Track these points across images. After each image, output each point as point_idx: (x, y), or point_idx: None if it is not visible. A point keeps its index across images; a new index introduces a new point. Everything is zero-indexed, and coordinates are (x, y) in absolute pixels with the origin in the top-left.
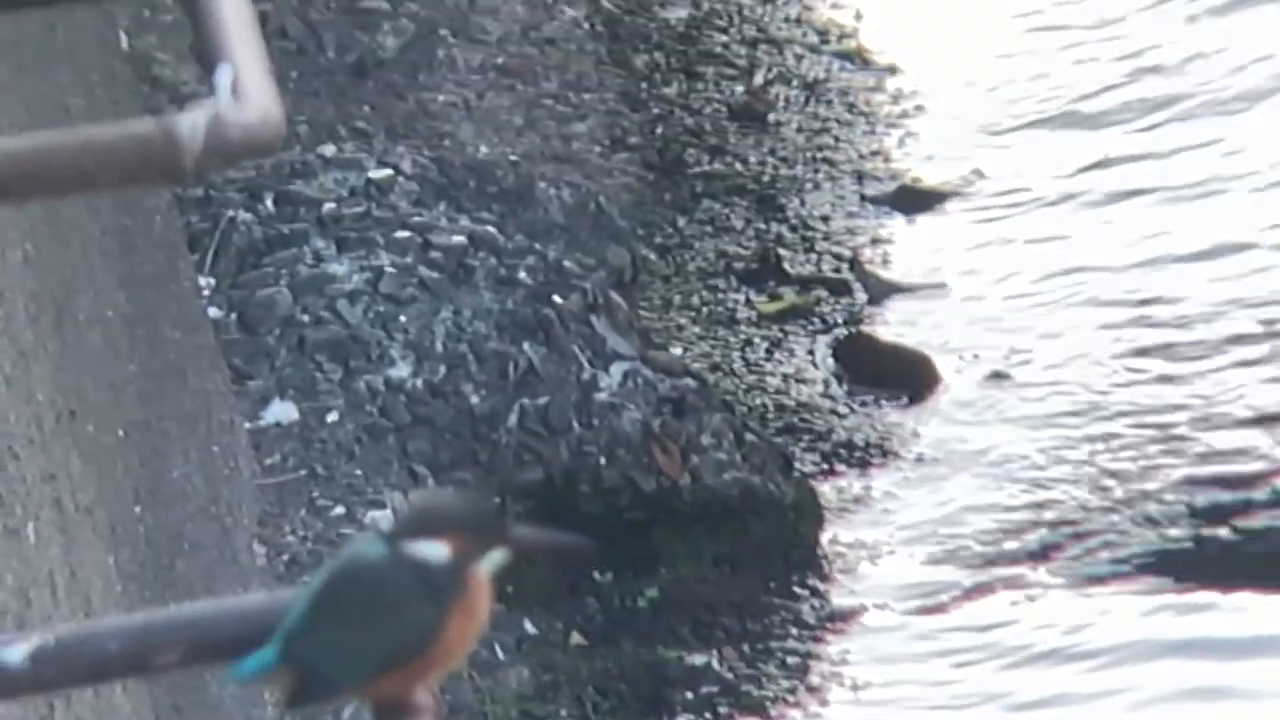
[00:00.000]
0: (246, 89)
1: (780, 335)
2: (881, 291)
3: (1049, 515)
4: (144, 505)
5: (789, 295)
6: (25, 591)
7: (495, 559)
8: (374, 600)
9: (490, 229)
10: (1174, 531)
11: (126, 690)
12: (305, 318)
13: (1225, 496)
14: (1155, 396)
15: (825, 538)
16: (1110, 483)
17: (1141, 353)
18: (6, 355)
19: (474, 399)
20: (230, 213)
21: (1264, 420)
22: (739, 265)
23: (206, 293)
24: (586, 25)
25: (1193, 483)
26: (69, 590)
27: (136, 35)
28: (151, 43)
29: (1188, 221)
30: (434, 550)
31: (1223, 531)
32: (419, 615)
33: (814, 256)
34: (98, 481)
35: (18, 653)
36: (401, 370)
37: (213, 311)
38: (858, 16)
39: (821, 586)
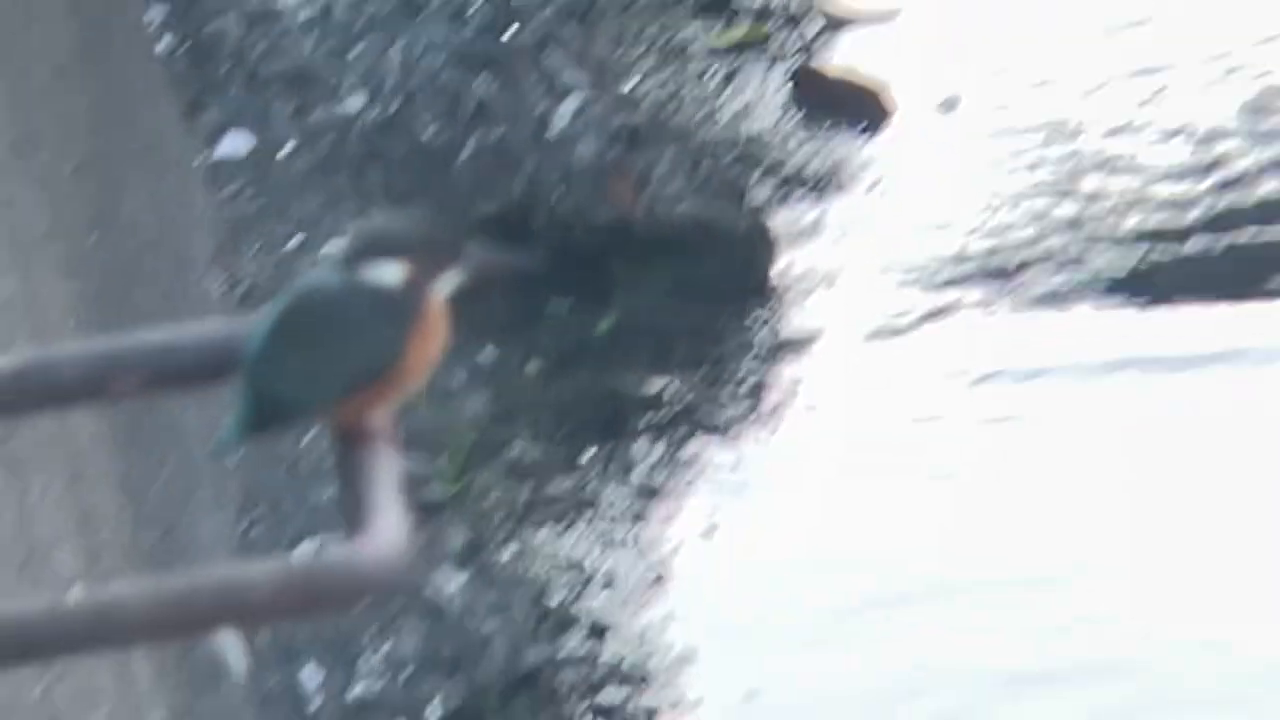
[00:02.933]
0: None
1: (734, 67)
2: (835, 22)
3: (1003, 238)
4: (100, 235)
5: (743, 27)
6: None
7: (451, 280)
8: (334, 325)
9: None
10: (1128, 249)
11: (86, 414)
12: (258, 49)
13: (1179, 213)
14: (1111, 116)
15: (780, 266)
16: (1064, 203)
17: (1098, 74)
18: None
19: (428, 133)
20: None
21: (1214, 137)
22: None
23: (157, 24)
24: None
25: (1146, 200)
26: (27, 317)
27: None
28: None
29: None
30: (390, 272)
31: (1176, 248)
32: (379, 337)
33: None
34: (52, 211)
35: None
36: (354, 104)
37: (164, 42)
38: None
39: (776, 313)
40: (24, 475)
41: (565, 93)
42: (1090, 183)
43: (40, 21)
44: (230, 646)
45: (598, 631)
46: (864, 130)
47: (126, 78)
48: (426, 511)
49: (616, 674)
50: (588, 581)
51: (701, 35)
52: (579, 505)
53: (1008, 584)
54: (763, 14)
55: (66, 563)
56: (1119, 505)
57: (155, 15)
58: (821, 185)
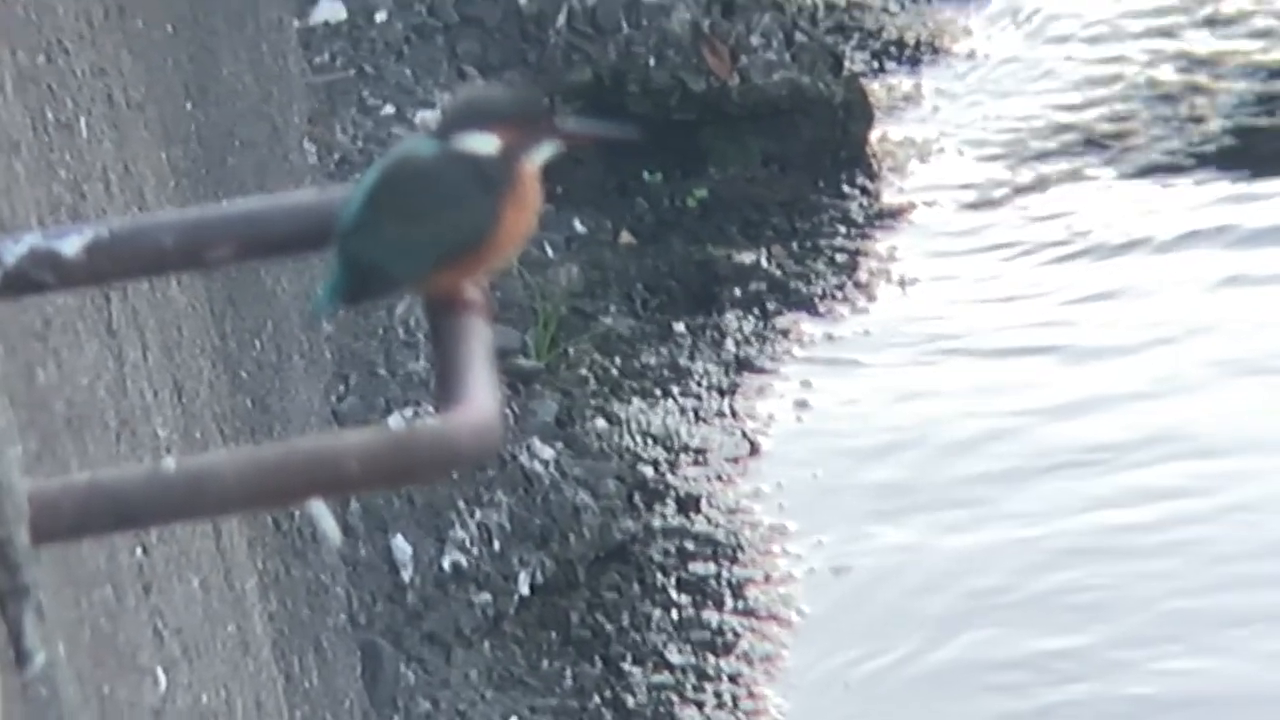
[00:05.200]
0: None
1: None
2: None
3: (1100, 111)
4: (195, 102)
5: None
6: (79, 185)
7: (545, 150)
8: (429, 194)
9: None
10: (1224, 124)
11: (182, 284)
12: None
13: (1275, 87)
14: None
15: (875, 136)
16: (1162, 77)
17: None
18: None
19: None
20: None
21: None
22: None
23: None
24: None
25: (1244, 75)
26: (123, 185)
27: None
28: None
29: None
30: (484, 142)
31: (1270, 123)
32: (474, 207)
33: None
34: (148, 78)
35: (73, 244)
36: None
37: None
38: None
39: (870, 184)
40: (119, 343)
41: None
42: (1192, 53)
43: None
44: (323, 515)
45: (688, 504)
46: None
47: None
48: (518, 382)
49: (706, 547)
50: (679, 454)
51: None
52: (670, 377)
53: (1107, 458)
54: None
55: (161, 431)
56: (1221, 375)
57: None
58: (919, 53)
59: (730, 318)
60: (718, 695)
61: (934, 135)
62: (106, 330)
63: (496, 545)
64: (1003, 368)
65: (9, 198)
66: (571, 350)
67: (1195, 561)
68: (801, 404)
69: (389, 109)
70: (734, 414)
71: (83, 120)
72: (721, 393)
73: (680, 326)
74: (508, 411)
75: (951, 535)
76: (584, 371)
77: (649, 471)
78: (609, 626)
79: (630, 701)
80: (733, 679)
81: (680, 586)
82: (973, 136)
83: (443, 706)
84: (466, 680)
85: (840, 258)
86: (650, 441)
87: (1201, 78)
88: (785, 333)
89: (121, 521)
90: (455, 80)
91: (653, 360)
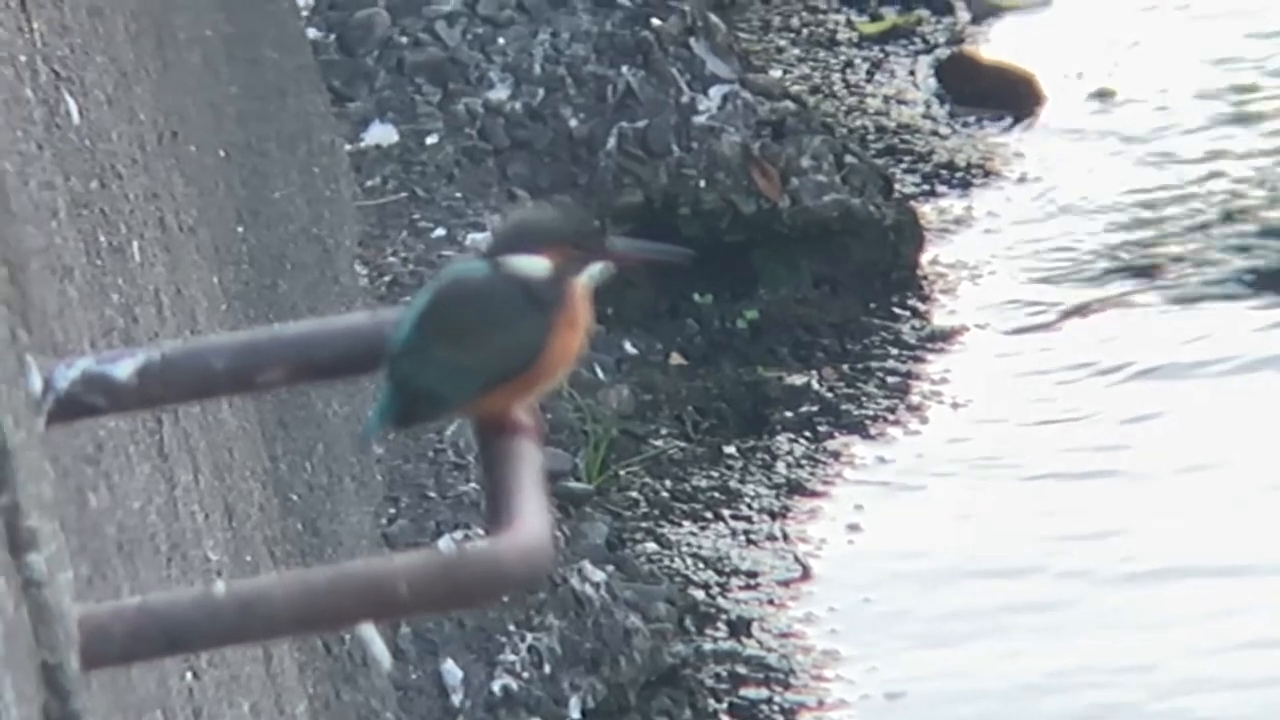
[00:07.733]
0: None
1: (881, 56)
2: (984, 10)
3: (1152, 233)
4: (246, 226)
5: (890, 15)
6: (131, 309)
7: (595, 272)
8: (480, 317)
9: None
10: (1278, 249)
11: (233, 406)
12: (404, 39)
13: None
14: (1263, 111)
15: (926, 258)
16: (1216, 199)
17: (1248, 67)
18: (108, 74)
19: (573, 122)
20: None
21: None
22: None
23: (305, 13)
24: None
25: None
26: (174, 309)
27: None
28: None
29: None
30: (535, 264)
31: None
32: (525, 329)
33: None
34: (200, 202)
35: (125, 368)
36: (500, 93)
37: (311, 32)
38: None
39: (922, 306)
40: (171, 466)
41: (711, 82)
42: (1242, 178)
43: (189, 10)
44: (373, 639)
45: (739, 628)
46: (1014, 120)
47: (275, 67)
48: (569, 505)
49: (758, 671)
50: (730, 577)
51: (849, 24)
52: (721, 500)
53: (1156, 582)
54: (911, 2)
55: (212, 554)
56: (1267, 503)
57: (304, 3)
58: (970, 176)
59: (781, 440)
60: None
61: (985, 258)
62: (158, 453)
63: (547, 669)
64: (1056, 491)
65: (61, 322)
66: (622, 473)
67: (1257, 688)
68: (853, 527)
69: (440, 231)
70: (785, 537)
71: (135, 244)
72: (773, 516)
73: (731, 449)
74: (558, 534)
75: (1005, 660)
76: (635, 494)
77: (700, 595)
78: None
79: None
80: None
81: (732, 711)
82: (1024, 259)
83: None
84: None
85: (892, 380)
86: (701, 565)
87: (1254, 202)
88: (836, 455)
89: (172, 646)
90: (506, 203)
91: (703, 483)
